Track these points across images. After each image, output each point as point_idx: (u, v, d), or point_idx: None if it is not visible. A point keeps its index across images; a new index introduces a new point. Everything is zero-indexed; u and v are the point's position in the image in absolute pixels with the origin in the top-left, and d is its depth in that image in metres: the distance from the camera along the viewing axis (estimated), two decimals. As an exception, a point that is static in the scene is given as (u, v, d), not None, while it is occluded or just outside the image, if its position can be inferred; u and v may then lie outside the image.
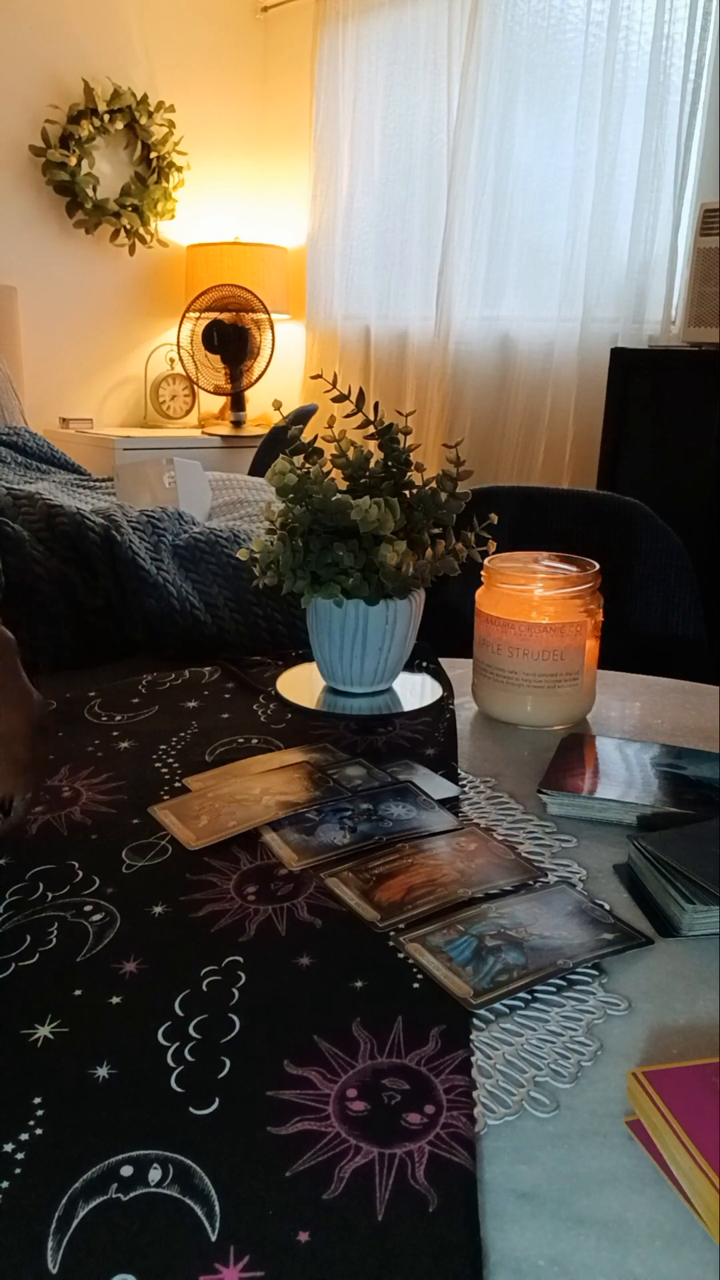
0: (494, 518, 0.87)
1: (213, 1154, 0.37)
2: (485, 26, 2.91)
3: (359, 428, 0.88)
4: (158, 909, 0.55)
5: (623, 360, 2.41)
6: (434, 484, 0.87)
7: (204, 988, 0.47)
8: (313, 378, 1.18)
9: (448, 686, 0.92)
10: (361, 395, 0.88)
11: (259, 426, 3.71)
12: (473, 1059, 0.43)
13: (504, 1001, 0.47)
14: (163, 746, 0.78)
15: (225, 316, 3.57)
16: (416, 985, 0.48)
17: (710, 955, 0.51)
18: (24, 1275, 0.33)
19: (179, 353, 3.71)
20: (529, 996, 0.47)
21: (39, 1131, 0.38)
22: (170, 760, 0.76)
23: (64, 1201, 0.35)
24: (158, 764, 0.75)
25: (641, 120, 2.58)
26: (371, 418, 0.88)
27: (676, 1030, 0.46)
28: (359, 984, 0.47)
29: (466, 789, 0.71)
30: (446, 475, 0.87)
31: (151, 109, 3.47)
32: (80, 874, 0.59)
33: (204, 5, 3.61)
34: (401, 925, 0.53)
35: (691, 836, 0.59)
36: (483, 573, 0.85)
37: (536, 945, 0.51)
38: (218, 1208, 0.35)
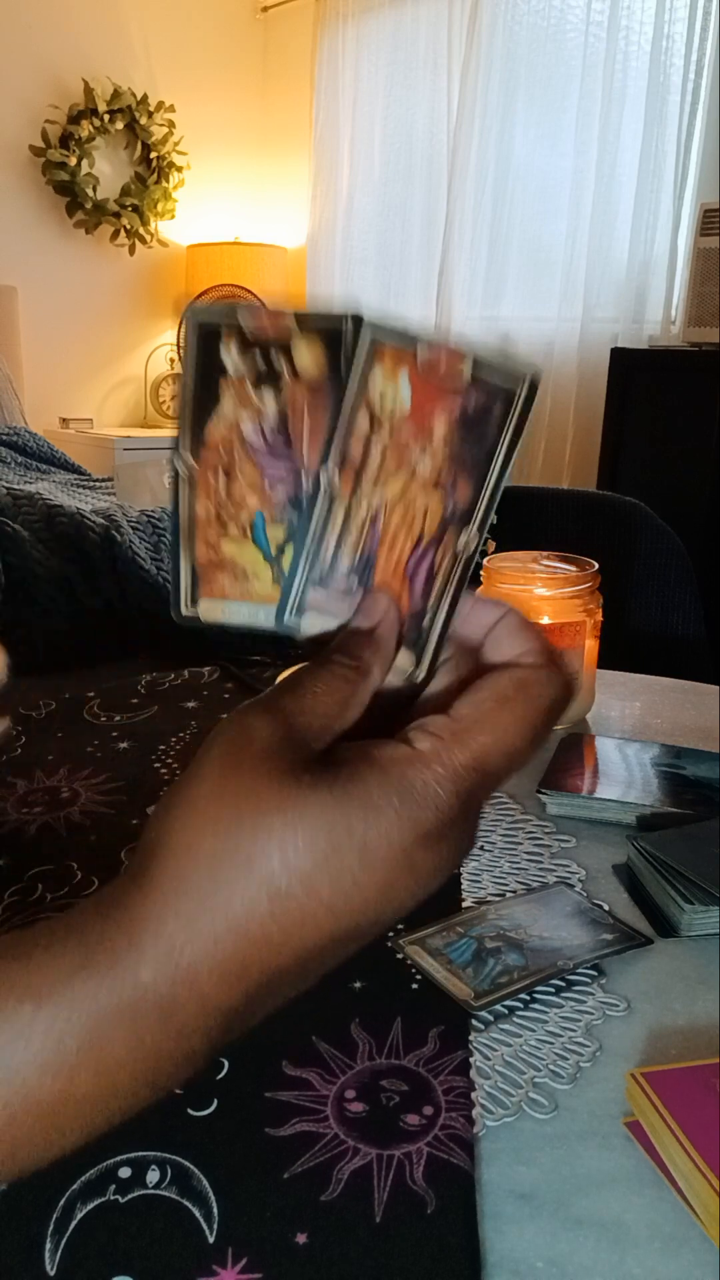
0: (493, 518, 0.87)
1: (211, 1155, 0.37)
2: (485, 26, 2.90)
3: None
4: (157, 910, 0.54)
5: (623, 360, 2.41)
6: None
7: (203, 988, 0.47)
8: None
9: (447, 687, 0.92)
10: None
11: (259, 426, 3.70)
12: (471, 1060, 0.43)
13: (503, 1002, 0.47)
14: (162, 746, 0.78)
15: (225, 316, 3.57)
16: (415, 986, 0.48)
17: (710, 956, 0.51)
18: (22, 1277, 0.33)
19: (179, 353, 3.71)
20: (528, 997, 0.47)
21: (37, 1133, 0.38)
22: (170, 760, 0.76)
23: (62, 1203, 0.35)
24: (157, 764, 0.75)
25: (641, 120, 2.58)
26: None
27: (675, 1031, 0.46)
28: (358, 985, 0.47)
29: (466, 789, 0.70)
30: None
31: (151, 109, 3.47)
32: (79, 875, 0.59)
33: (204, 5, 3.61)
34: (400, 927, 0.53)
35: (691, 836, 0.59)
36: (482, 573, 0.85)
37: (536, 946, 0.50)
38: (216, 1209, 0.35)
